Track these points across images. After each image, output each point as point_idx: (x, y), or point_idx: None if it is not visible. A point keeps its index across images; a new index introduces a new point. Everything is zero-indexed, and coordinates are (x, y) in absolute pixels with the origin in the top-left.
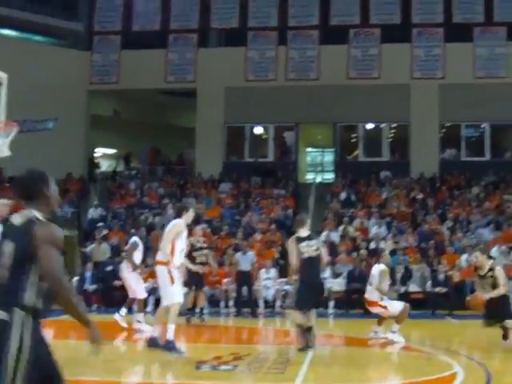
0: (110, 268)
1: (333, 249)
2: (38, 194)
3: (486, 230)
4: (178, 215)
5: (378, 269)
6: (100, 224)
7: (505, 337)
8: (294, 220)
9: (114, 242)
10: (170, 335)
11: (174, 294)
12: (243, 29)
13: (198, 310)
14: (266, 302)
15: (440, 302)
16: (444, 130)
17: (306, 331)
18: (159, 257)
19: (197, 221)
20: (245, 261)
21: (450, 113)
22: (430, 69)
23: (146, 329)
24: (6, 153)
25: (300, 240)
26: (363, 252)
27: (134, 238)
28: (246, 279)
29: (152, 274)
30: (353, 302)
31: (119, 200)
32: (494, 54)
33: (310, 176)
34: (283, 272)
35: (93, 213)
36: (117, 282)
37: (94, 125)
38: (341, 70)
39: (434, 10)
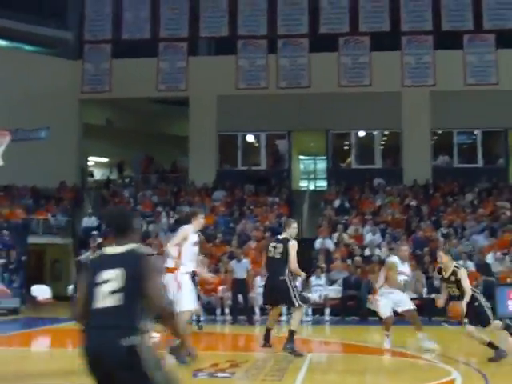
0: None
1: (328, 256)
2: (131, 230)
3: (481, 236)
4: (188, 221)
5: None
6: (94, 232)
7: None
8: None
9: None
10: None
11: (183, 301)
12: (233, 37)
13: (194, 318)
14: (262, 309)
15: (436, 308)
16: (436, 137)
17: (266, 330)
18: (166, 264)
19: None
20: (240, 268)
21: (442, 120)
22: (420, 76)
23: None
24: (0, 162)
25: (273, 240)
26: (358, 259)
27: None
28: (241, 287)
29: None
30: (349, 309)
31: None
32: (483, 60)
33: (303, 184)
34: None
35: (87, 221)
36: None
37: (87, 134)
38: (332, 78)
39: (423, 17)
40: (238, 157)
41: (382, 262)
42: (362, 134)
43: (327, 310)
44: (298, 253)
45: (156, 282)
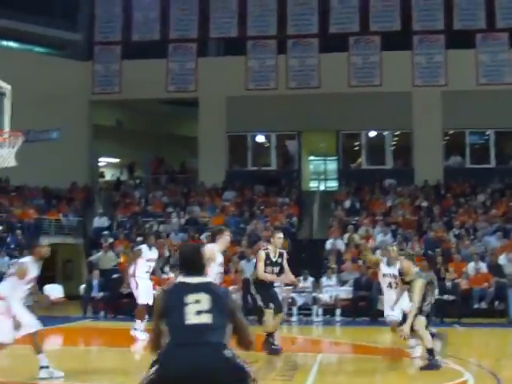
0: (116, 276)
1: (338, 257)
2: (204, 266)
3: (493, 237)
4: (213, 239)
5: None
6: (105, 232)
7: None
8: (299, 227)
9: (119, 250)
10: None
11: None
12: (242, 38)
13: None
14: None
15: (448, 309)
16: (448, 138)
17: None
18: None
19: (201, 229)
20: (250, 268)
21: (454, 120)
22: (431, 76)
23: (142, 337)
24: (12, 163)
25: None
26: None
27: (140, 246)
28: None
29: (163, 282)
30: (360, 310)
31: (124, 209)
32: (496, 60)
33: (313, 184)
34: None
35: (98, 221)
36: (123, 289)
37: (97, 134)
38: (342, 78)
39: (434, 16)
40: (247, 157)
41: None
42: (372, 134)
43: (338, 311)
44: (309, 253)
45: (241, 315)
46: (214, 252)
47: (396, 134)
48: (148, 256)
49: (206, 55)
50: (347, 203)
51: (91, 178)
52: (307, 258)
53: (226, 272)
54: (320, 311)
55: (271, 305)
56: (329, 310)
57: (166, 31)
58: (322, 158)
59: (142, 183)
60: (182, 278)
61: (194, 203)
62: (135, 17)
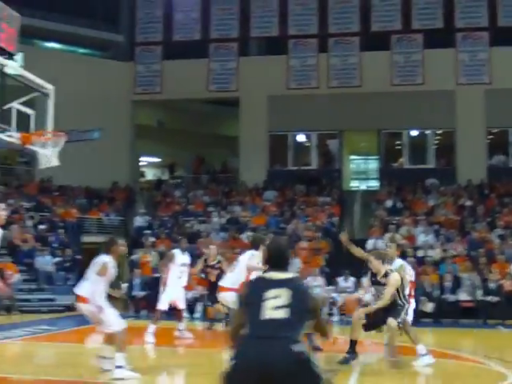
0: (157, 275)
1: None
2: (289, 262)
3: None
4: (255, 247)
5: None
6: (147, 232)
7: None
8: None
9: (161, 249)
10: None
11: None
12: (283, 37)
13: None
14: None
15: (491, 311)
16: (491, 136)
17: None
18: (230, 283)
19: (242, 229)
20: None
21: (498, 118)
22: (475, 74)
23: (150, 340)
24: (55, 163)
25: None
26: (411, 260)
27: (173, 251)
28: None
29: (202, 282)
30: None
31: (165, 208)
32: None
33: (354, 184)
34: (329, 279)
35: (139, 221)
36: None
37: (139, 134)
38: (384, 77)
39: (478, 13)
40: (288, 157)
41: (435, 263)
42: (414, 133)
43: None
44: (350, 253)
45: (318, 306)
46: (257, 260)
47: (438, 132)
48: (181, 261)
49: (247, 54)
50: (389, 203)
51: (133, 177)
52: (348, 258)
53: None
54: None
55: None
56: None
57: (206, 31)
58: (363, 158)
59: (182, 183)
60: (266, 273)
61: (234, 203)
62: (176, 17)
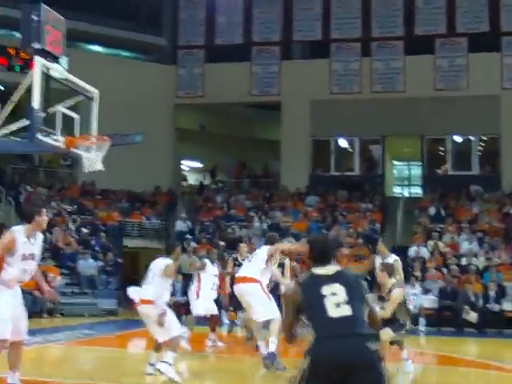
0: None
1: (423, 264)
2: (335, 256)
3: None
4: (271, 243)
5: None
6: (188, 236)
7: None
8: (382, 234)
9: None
10: (273, 348)
11: (274, 309)
12: (326, 41)
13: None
14: None
15: None
16: None
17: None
18: (248, 273)
19: (283, 234)
20: None
21: None
22: None
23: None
24: (99, 167)
25: None
26: (455, 268)
27: (205, 260)
28: None
29: None
30: (444, 320)
31: (206, 213)
32: None
33: (397, 190)
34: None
35: (180, 225)
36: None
37: (181, 138)
38: (427, 81)
39: None
40: (330, 162)
41: (479, 272)
42: (458, 139)
43: (422, 320)
44: None
45: (369, 297)
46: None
47: (483, 138)
48: (212, 272)
49: (289, 58)
50: (432, 210)
51: (175, 181)
52: None
53: None
54: None
55: None
56: (412, 319)
57: (249, 34)
58: (406, 163)
59: (224, 187)
60: (313, 270)
61: (276, 208)
62: (218, 21)
